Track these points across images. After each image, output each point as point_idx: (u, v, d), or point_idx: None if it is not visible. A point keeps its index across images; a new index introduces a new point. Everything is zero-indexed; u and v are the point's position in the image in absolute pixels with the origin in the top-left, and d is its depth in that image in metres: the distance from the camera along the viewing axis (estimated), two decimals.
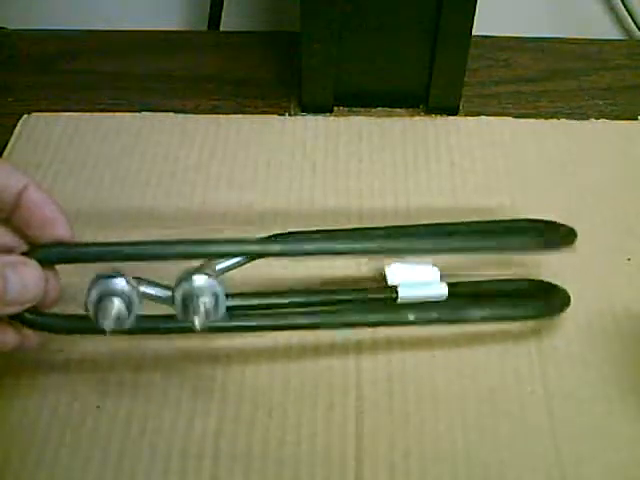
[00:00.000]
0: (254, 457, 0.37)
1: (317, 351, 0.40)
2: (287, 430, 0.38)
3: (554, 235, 0.41)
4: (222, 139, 0.52)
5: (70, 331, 0.36)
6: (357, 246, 0.36)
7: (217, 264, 0.36)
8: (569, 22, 0.65)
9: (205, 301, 0.33)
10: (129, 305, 0.33)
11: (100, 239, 0.45)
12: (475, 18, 0.48)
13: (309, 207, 0.47)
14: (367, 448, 0.37)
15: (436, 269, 0.40)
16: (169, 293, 0.34)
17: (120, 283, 0.33)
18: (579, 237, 0.40)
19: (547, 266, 0.43)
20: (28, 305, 0.33)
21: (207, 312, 0.33)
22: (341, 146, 0.51)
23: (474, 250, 0.40)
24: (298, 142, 0.51)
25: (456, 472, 0.36)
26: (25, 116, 0.53)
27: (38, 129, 0.52)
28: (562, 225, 0.41)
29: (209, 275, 0.34)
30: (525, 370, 0.40)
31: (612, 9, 0.65)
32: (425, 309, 0.39)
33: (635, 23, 0.64)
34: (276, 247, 0.36)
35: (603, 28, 0.66)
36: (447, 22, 0.48)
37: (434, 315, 0.39)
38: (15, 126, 0.52)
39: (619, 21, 0.66)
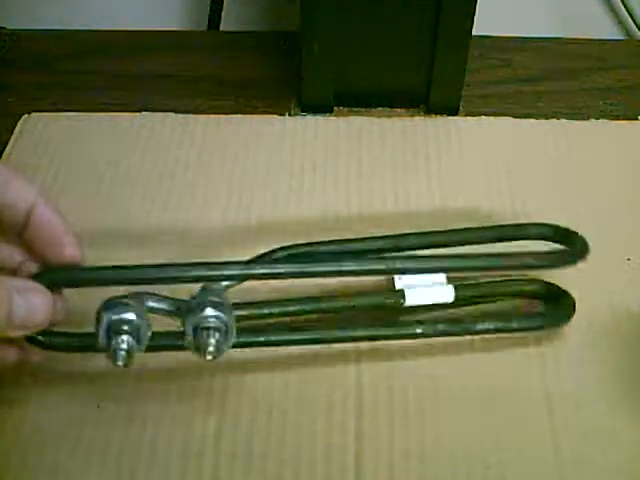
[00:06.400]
0: (254, 457, 0.37)
1: (317, 351, 0.40)
2: (287, 430, 0.38)
3: (572, 248, 0.40)
4: (222, 139, 0.52)
5: (79, 350, 0.36)
6: (364, 268, 0.36)
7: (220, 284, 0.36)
8: (569, 22, 0.65)
9: (216, 338, 0.33)
10: (139, 337, 0.33)
11: (100, 239, 0.45)
12: (475, 18, 0.48)
13: (309, 207, 0.47)
14: (367, 448, 0.37)
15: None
16: (179, 324, 0.34)
17: (130, 316, 0.33)
18: None
19: None
20: (34, 330, 0.33)
21: (218, 348, 0.33)
22: (341, 146, 0.51)
23: (488, 269, 0.40)
24: (298, 142, 0.51)
25: (456, 472, 0.36)
26: (25, 116, 0.53)
27: (38, 129, 0.52)
28: (575, 233, 0.40)
29: (219, 305, 0.34)
30: (525, 370, 0.40)
31: (612, 9, 0.65)
32: (431, 322, 0.40)
33: (635, 23, 0.64)
34: (281, 269, 0.35)
35: (603, 28, 0.66)
36: (447, 22, 0.48)
37: (440, 328, 0.40)
38: (15, 126, 0.52)
39: (619, 21, 0.66)
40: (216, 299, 0.34)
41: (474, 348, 0.40)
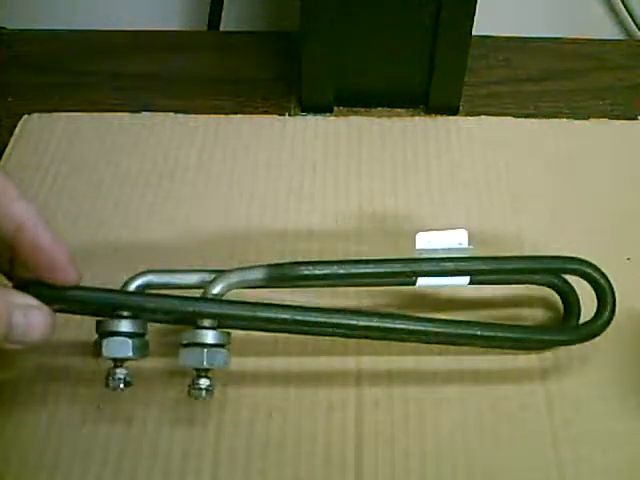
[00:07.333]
0: (254, 457, 0.37)
1: (317, 350, 0.40)
2: (287, 430, 0.38)
3: (601, 303, 0.39)
4: (222, 139, 0.52)
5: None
6: (362, 323, 0.36)
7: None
8: (569, 22, 0.65)
9: (208, 382, 0.35)
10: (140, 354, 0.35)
11: (100, 240, 0.45)
12: (475, 18, 0.48)
13: (309, 208, 0.47)
14: (367, 448, 0.37)
15: (464, 233, 0.38)
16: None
17: (127, 351, 0.35)
18: (580, 238, 0.40)
19: None
20: (30, 346, 0.32)
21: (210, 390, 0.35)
22: (341, 146, 0.51)
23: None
24: (298, 142, 0.51)
25: (456, 472, 0.36)
26: (25, 116, 0.53)
27: (38, 129, 0.52)
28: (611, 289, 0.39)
29: (220, 347, 0.35)
30: (525, 370, 0.40)
31: (612, 9, 0.65)
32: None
33: (635, 23, 0.64)
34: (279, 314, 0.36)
35: (603, 28, 0.66)
36: (447, 22, 0.48)
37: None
38: (15, 126, 0.52)
39: (619, 21, 0.66)
40: (211, 342, 0.35)
41: (474, 348, 0.40)
